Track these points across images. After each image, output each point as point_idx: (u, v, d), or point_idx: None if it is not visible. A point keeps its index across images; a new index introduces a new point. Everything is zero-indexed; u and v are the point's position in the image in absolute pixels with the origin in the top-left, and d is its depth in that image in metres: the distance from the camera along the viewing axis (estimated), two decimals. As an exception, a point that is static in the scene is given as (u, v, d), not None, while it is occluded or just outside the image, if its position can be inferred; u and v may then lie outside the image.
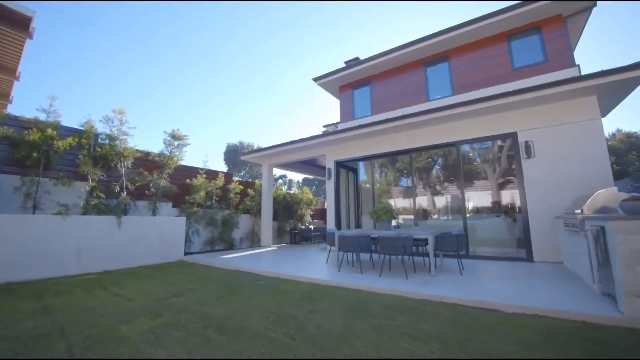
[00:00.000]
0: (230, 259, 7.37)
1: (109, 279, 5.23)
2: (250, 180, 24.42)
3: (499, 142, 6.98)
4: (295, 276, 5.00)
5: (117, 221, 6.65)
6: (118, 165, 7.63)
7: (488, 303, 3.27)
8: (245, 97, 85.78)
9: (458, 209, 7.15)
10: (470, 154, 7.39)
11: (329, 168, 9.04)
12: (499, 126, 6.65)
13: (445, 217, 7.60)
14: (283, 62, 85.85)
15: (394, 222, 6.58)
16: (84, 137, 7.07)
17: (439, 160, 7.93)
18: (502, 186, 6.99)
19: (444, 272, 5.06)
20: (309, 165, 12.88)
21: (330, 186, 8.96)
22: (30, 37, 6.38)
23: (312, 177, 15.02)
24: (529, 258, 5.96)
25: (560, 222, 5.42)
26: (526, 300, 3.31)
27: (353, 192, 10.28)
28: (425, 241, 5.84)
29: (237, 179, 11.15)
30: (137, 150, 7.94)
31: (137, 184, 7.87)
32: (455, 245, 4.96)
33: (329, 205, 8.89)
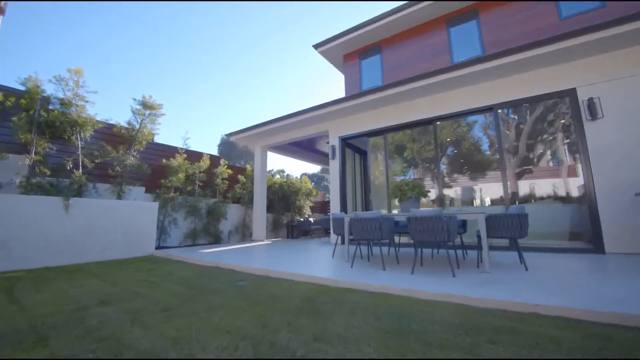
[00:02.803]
0: (209, 253, 5.91)
1: (33, 279, 3.76)
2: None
3: (543, 105, 5.54)
4: (292, 274, 3.55)
5: (63, 204, 5.17)
6: (73, 137, 6.14)
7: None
8: (245, 97, 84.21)
9: (496, 192, 5.72)
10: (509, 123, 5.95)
11: (332, 145, 7.58)
12: (549, 83, 5.21)
13: (477, 204, 6.17)
14: (282, 60, 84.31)
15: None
16: (25, 97, 5.59)
17: (470, 131, 6.48)
18: (552, 161, 5.56)
19: (499, 268, 3.62)
20: (309, 151, 11.43)
21: (334, 166, 7.50)
22: (3, 13, 5.73)
23: (310, 173, 13.68)
24: (598, 249, 4.53)
25: (650, 200, 4.01)
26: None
27: (360, 178, 8.83)
28: (464, 226, 4.41)
29: (216, 157, 9.67)
30: (98, 120, 6.46)
31: (97, 161, 6.38)
32: (516, 229, 3.52)
33: (333, 190, 7.44)
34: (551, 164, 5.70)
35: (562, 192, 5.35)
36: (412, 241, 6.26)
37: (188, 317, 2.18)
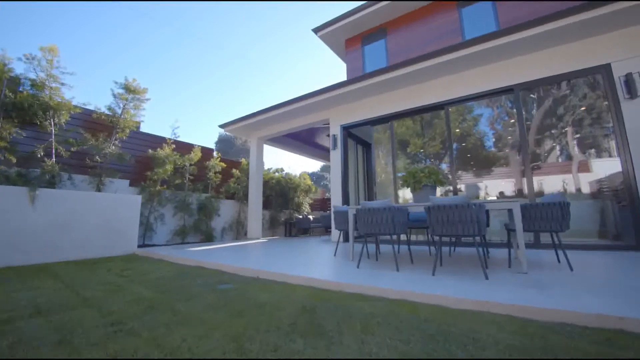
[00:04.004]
0: (196, 251, 5.30)
1: (-24, 281, 3.14)
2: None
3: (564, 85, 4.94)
4: (287, 275, 2.94)
5: (29, 195, 4.55)
6: (46, 123, 5.52)
7: None
8: (245, 93, 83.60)
9: (507, 187, 5.13)
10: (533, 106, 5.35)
11: (333, 135, 6.97)
12: (578, 59, 4.62)
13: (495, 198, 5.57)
14: (284, 58, 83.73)
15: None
16: (-13, 76, 4.97)
17: (486, 115, 5.87)
18: (582, 148, 4.97)
19: (534, 268, 3.02)
20: (309, 145, 10.84)
21: (335, 157, 6.89)
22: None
23: (310, 171, 13.03)
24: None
25: None
26: None
27: (363, 171, 8.22)
28: (487, 219, 3.81)
29: (214, 152, 9.05)
30: (75, 105, 5.83)
31: (73, 149, 5.76)
32: (557, 220, 2.92)
33: (334, 183, 6.83)
34: (576, 152, 5.10)
35: (587, 185, 4.75)
36: (420, 238, 5.74)
37: (137, 337, 1.57)
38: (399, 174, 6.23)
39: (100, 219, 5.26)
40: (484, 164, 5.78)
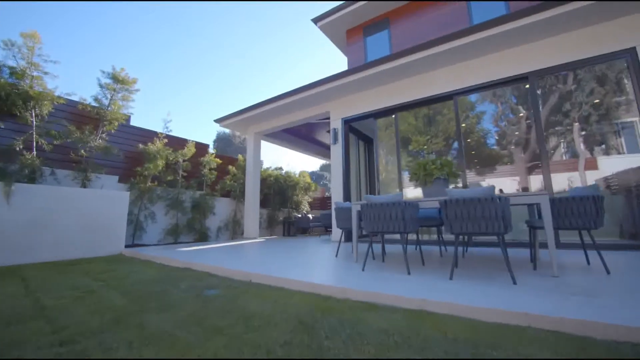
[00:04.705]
0: (186, 252, 4.93)
1: None
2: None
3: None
4: (283, 280, 2.57)
5: (3, 190, 4.18)
6: (26, 114, 5.14)
7: None
8: (246, 93, 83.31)
9: (520, 182, 4.78)
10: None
11: (334, 129, 6.60)
12: (600, 43, 4.26)
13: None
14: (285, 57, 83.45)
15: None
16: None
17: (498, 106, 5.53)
18: (589, 145, 4.62)
19: (566, 271, 2.66)
20: (308, 141, 10.47)
21: (336, 152, 6.52)
22: None
23: (310, 171, 12.61)
24: (673, 247, 3.59)
25: None
26: None
27: (365, 168, 7.85)
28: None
29: (212, 151, 8.68)
30: (58, 95, 5.45)
31: (56, 142, 5.39)
32: (590, 216, 2.56)
33: (335, 179, 6.46)
34: (582, 148, 4.76)
35: (602, 182, 4.42)
36: (424, 237, 5.35)
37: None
38: (405, 172, 5.87)
39: (83, 216, 4.89)
40: (487, 162, 5.57)
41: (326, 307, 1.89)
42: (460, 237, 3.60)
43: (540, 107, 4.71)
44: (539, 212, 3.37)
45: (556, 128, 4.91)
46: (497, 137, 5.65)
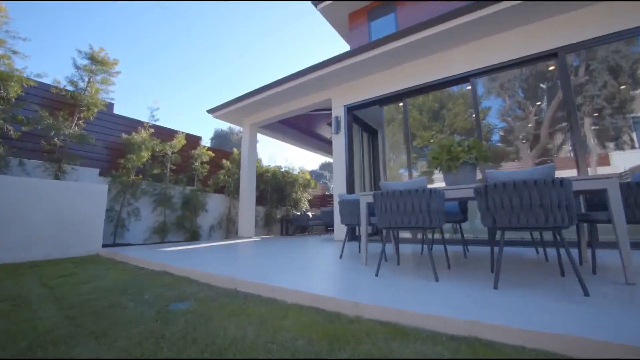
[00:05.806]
0: (169, 252, 4.35)
1: None
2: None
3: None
4: (277, 289, 1.99)
5: (-47, 182, 3.59)
6: (-11, 98, 4.56)
7: None
8: (245, 91, 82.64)
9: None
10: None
11: (336, 117, 6.03)
12: (630, 15, 3.70)
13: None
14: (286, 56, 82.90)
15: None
16: None
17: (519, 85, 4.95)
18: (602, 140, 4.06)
19: (638, 276, 2.09)
20: (308, 135, 9.90)
21: (339, 142, 5.94)
22: None
23: (309, 169, 11.91)
24: None
25: None
26: None
27: (369, 160, 7.28)
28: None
29: (206, 145, 8.10)
30: (28, 77, 4.87)
31: (24, 129, 4.80)
32: (672, 209, 1.99)
33: (337, 171, 5.88)
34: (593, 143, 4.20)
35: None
36: (428, 236, 4.76)
37: None
38: (405, 169, 5.29)
39: (53, 212, 4.30)
40: (492, 159, 5.00)
41: (334, 332, 1.31)
42: (497, 234, 3.03)
43: (550, 105, 4.16)
44: (586, 201, 2.82)
45: (563, 124, 4.40)
46: (502, 133, 5.13)
